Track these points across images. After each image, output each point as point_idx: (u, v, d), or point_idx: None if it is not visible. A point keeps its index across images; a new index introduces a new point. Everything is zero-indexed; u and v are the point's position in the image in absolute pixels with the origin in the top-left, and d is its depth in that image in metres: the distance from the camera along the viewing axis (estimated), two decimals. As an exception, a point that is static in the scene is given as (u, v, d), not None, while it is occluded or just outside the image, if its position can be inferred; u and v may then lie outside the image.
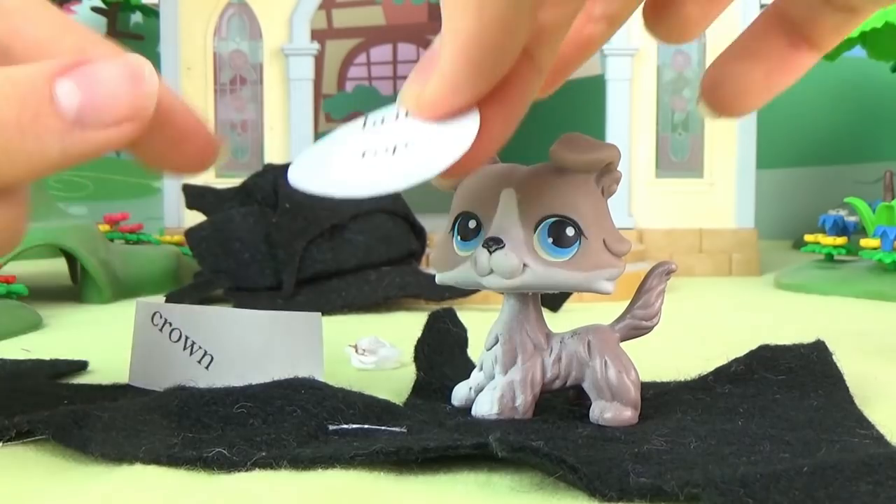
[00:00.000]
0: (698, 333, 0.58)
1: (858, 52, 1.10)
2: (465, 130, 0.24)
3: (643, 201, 1.04)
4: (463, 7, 0.22)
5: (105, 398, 0.35)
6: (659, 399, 0.35)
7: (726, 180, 1.04)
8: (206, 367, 0.37)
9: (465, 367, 0.37)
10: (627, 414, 0.32)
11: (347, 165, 0.25)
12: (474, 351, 0.39)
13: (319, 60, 1.35)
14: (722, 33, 1.11)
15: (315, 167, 0.26)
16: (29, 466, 0.27)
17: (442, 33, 0.24)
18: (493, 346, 0.33)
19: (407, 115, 0.25)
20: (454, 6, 0.23)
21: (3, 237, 0.25)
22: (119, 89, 0.24)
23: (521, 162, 0.32)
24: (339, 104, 1.50)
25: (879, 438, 0.29)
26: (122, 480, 0.26)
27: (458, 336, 0.41)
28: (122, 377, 0.39)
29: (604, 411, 0.32)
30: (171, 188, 1.04)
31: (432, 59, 0.24)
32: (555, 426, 0.31)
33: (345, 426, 0.29)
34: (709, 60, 1.07)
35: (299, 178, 0.25)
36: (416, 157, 0.24)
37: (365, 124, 0.26)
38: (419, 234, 0.78)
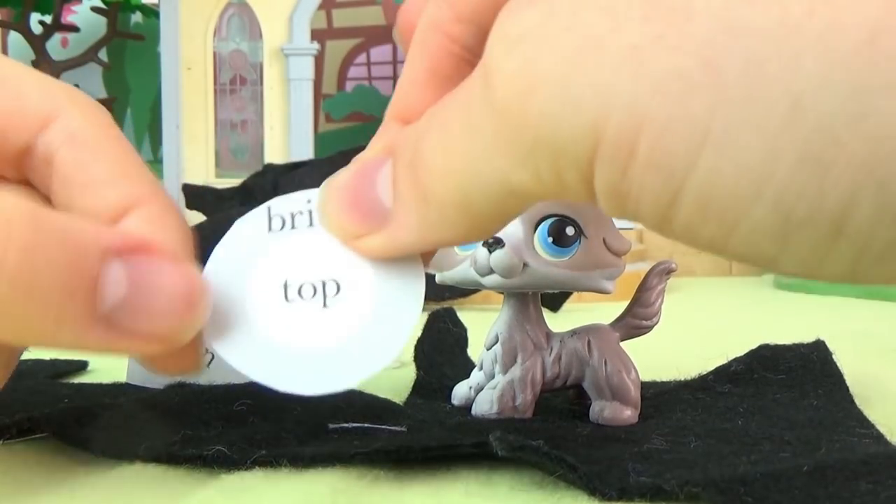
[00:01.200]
0: (698, 333, 0.58)
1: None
2: (410, 292, 0.22)
3: (643, 201, 1.04)
4: (452, 215, 0.20)
5: (105, 396, 0.35)
6: (659, 398, 0.35)
7: (726, 180, 1.04)
8: (207, 365, 0.37)
9: (465, 367, 0.37)
10: (627, 413, 0.32)
11: (273, 318, 0.22)
12: (474, 350, 0.39)
13: (319, 60, 1.35)
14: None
15: (237, 323, 0.22)
16: (30, 464, 0.27)
17: (401, 194, 0.20)
18: (493, 346, 0.33)
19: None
20: (440, 202, 0.20)
21: None
22: (168, 306, 0.21)
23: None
24: (339, 104, 1.50)
25: (879, 437, 0.29)
26: (122, 478, 0.26)
27: (458, 336, 0.42)
28: (122, 377, 0.39)
29: (604, 410, 0.32)
30: (171, 188, 1.04)
31: (373, 196, 0.21)
32: (555, 425, 0.31)
33: (345, 425, 0.29)
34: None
35: (226, 349, 0.22)
36: (357, 325, 0.22)
37: (270, 224, 0.23)
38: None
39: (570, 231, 0.30)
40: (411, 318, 0.22)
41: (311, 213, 0.23)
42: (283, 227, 0.23)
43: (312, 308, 0.22)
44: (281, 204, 0.23)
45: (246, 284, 0.22)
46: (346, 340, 0.22)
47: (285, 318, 0.22)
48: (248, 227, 0.23)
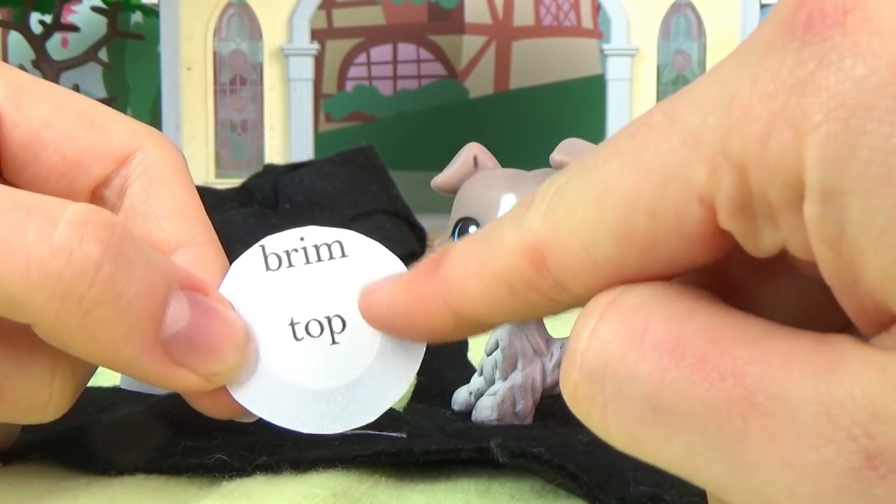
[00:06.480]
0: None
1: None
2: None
3: (643, 202, 1.04)
4: None
5: (103, 401, 0.34)
6: (659, 404, 0.34)
7: (727, 181, 1.04)
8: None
9: (465, 372, 0.37)
10: (628, 419, 0.32)
11: (285, 359, 0.22)
12: (474, 355, 0.39)
13: (319, 60, 1.35)
14: (722, 32, 1.11)
15: (250, 366, 0.23)
16: (31, 474, 0.27)
17: None
18: (493, 352, 0.33)
19: (319, 260, 0.23)
20: None
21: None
22: (220, 345, 0.22)
23: (522, 166, 0.32)
24: (339, 104, 1.50)
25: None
26: (124, 486, 0.26)
27: (458, 340, 0.41)
28: (118, 380, 0.39)
29: (604, 417, 0.32)
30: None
31: None
32: (555, 432, 0.31)
33: (345, 432, 0.29)
34: (709, 60, 1.07)
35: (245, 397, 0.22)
36: (368, 359, 0.22)
37: (267, 264, 0.23)
38: (419, 234, 0.78)
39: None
40: (419, 346, 0.23)
41: (305, 250, 0.23)
42: (279, 266, 0.23)
43: (322, 346, 0.22)
44: (274, 242, 0.24)
45: (253, 326, 0.23)
46: (361, 375, 0.22)
47: (297, 358, 0.22)
48: (245, 269, 0.24)
